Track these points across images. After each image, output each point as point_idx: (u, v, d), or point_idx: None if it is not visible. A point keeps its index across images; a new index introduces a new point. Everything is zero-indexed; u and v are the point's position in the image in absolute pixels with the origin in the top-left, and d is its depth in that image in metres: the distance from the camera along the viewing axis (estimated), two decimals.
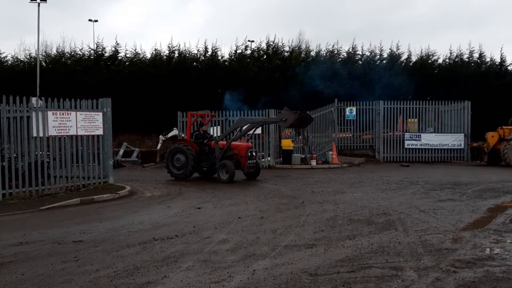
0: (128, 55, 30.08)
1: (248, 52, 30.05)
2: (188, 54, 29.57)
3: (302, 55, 29.99)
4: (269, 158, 19.40)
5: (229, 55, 30.11)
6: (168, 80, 27.42)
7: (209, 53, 29.58)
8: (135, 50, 29.96)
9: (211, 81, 27.28)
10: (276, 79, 26.72)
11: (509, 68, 28.79)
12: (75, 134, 12.12)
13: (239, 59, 29.21)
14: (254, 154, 14.61)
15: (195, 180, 14.89)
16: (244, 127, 14.66)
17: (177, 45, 30.24)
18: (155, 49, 29.92)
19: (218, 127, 20.31)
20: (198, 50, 29.77)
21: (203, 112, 17.88)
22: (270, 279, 4.78)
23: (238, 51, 29.83)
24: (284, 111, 13.86)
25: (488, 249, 5.92)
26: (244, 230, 7.18)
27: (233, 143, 14.48)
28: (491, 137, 19.53)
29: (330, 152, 19.64)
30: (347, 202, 9.92)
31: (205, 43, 32.09)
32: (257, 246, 6.15)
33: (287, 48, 30.43)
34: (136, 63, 29.32)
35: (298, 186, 12.88)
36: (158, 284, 4.71)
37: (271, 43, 30.20)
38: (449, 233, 6.78)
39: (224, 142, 14.53)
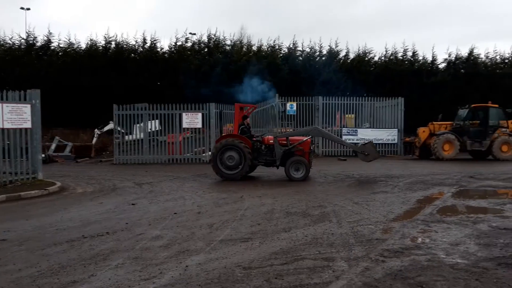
0: (61, 45, 28.80)
1: (189, 44, 29.65)
2: (126, 45, 28.70)
3: (244, 49, 29.98)
4: (209, 152, 19.21)
5: (168, 47, 29.58)
6: (104, 72, 26.51)
7: (148, 44, 28.90)
8: (69, 40, 28.75)
9: (149, 74, 26.66)
10: (217, 73, 26.55)
11: (440, 66, 30.33)
12: (1, 127, 11.43)
13: (179, 52, 28.73)
14: (314, 150, 13.69)
15: (132, 174, 14.49)
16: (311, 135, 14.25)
17: (114, 36, 29.26)
18: (91, 39, 28.82)
19: (157, 121, 19.92)
20: (136, 41, 29.00)
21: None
22: (203, 274, 4.70)
23: (178, 43, 29.36)
24: (369, 145, 13.94)
25: (415, 239, 6.15)
26: (179, 225, 7.04)
27: (297, 138, 13.71)
28: (422, 132, 20.46)
29: None
30: (285, 195, 10.01)
31: (143, 34, 31.27)
32: (191, 241, 6.04)
33: (228, 42, 30.34)
34: (70, 53, 28.12)
35: (238, 180, 12.83)
36: (84, 283, 4.49)
37: (213, 36, 29.99)
38: (380, 224, 7.00)
39: (283, 138, 13.50)
